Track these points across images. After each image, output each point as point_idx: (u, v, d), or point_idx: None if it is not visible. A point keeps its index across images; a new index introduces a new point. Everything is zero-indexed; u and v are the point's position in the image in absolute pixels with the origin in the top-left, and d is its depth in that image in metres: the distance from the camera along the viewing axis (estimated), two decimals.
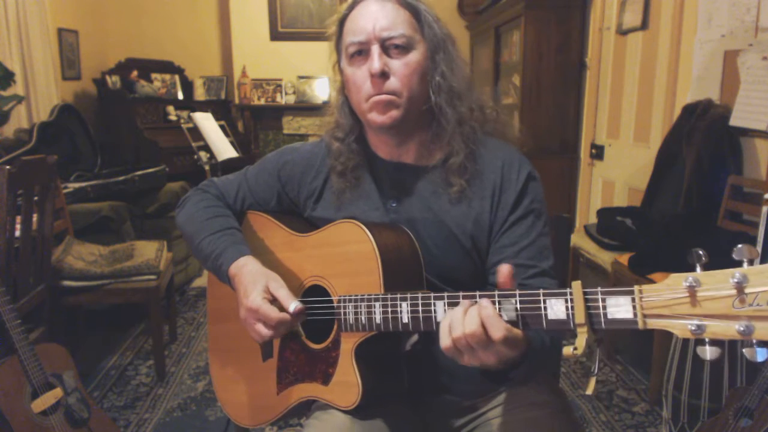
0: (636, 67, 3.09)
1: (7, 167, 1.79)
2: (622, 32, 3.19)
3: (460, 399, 1.05)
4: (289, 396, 1.04)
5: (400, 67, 0.97)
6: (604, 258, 2.51)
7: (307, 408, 1.08)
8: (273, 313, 0.92)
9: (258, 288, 0.95)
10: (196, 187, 1.21)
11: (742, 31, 2.27)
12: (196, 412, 2.20)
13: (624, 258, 2.29)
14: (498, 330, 0.74)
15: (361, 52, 0.98)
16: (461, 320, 0.76)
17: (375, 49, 0.96)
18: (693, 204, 2.34)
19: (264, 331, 0.95)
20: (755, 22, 2.21)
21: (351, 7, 1.02)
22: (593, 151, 3.58)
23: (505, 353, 0.75)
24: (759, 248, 1.55)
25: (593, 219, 3.06)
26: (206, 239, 1.07)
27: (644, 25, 2.98)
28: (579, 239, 2.77)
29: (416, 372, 1.02)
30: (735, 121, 2.23)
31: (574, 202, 3.81)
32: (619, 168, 3.31)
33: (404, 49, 0.97)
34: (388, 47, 0.97)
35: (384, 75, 0.96)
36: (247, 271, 0.99)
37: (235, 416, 1.16)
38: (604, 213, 2.76)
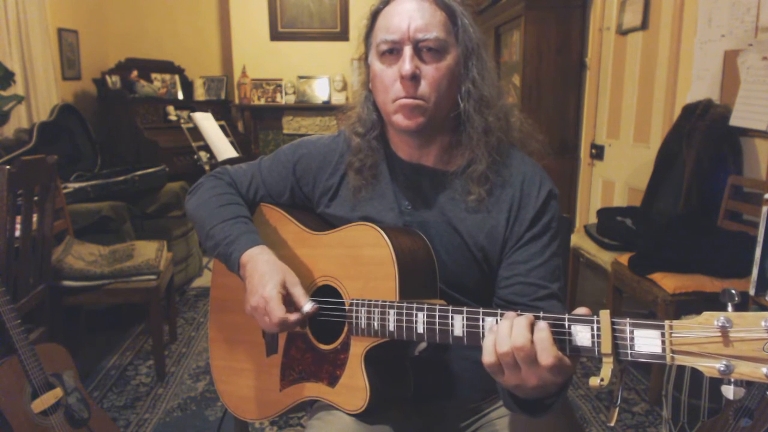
0: (636, 67, 3.09)
1: (7, 167, 1.79)
2: (622, 32, 3.19)
3: (464, 402, 1.05)
4: (292, 394, 1.03)
5: (432, 71, 0.94)
6: (604, 258, 2.51)
7: (308, 405, 1.07)
8: (278, 311, 0.91)
9: (274, 280, 0.93)
10: (209, 173, 1.18)
11: (742, 31, 2.27)
12: (196, 412, 2.20)
13: (624, 258, 2.28)
14: (549, 354, 0.71)
15: (392, 51, 0.95)
16: (508, 334, 0.72)
17: (407, 51, 0.93)
18: (693, 204, 2.34)
19: (269, 324, 0.94)
20: (755, 22, 2.21)
21: (386, 2, 0.98)
22: (593, 151, 3.58)
23: (549, 377, 0.72)
24: (759, 248, 1.55)
25: (593, 219, 3.06)
26: (218, 225, 1.05)
27: (644, 25, 2.98)
28: (579, 239, 2.77)
29: (423, 377, 1.01)
30: (735, 121, 2.23)
31: (574, 202, 3.81)
32: (619, 168, 3.31)
33: (437, 52, 0.94)
34: (420, 49, 0.94)
35: (414, 78, 0.93)
36: (263, 260, 0.97)
37: (233, 409, 1.15)
38: (604, 213, 2.76)
